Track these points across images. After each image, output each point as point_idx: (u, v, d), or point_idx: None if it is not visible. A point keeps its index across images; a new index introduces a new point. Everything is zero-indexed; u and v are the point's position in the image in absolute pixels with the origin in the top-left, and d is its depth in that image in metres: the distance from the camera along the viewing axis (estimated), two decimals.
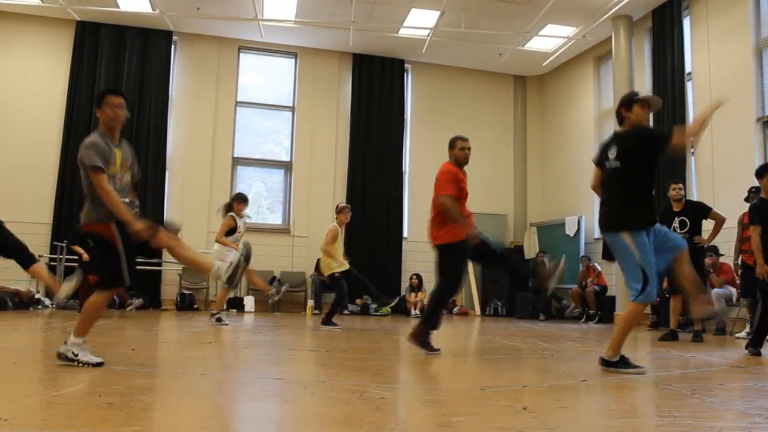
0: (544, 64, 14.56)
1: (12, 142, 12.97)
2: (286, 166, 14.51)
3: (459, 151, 5.84)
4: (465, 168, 5.93)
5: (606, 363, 4.60)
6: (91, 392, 3.29)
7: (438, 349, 5.56)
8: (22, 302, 11.06)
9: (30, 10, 12.92)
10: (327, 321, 8.68)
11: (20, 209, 12.62)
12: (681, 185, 8.19)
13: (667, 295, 9.79)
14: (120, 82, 13.38)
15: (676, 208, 8.09)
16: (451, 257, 5.68)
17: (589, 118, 13.95)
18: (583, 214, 13.46)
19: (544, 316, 12.61)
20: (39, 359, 4.93)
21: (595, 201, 13.15)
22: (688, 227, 7.90)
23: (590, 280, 12.15)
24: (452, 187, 5.63)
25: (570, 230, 13.51)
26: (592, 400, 3.50)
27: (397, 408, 3.26)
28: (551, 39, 13.48)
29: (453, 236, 5.60)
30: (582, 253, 13.02)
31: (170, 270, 13.24)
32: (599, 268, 12.39)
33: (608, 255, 12.43)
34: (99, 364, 4.12)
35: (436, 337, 5.41)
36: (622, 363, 4.56)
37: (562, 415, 3.06)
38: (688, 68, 11.15)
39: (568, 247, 13.17)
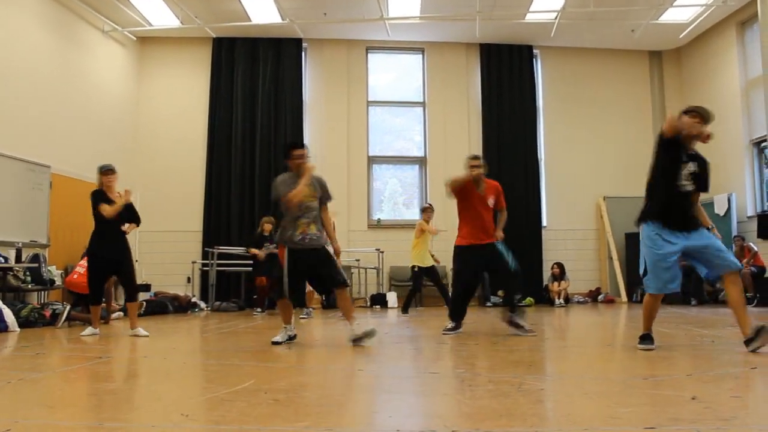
0: (681, 36, 13.86)
1: (163, 158, 13.83)
2: (420, 162, 14.60)
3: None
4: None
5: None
6: (258, 389, 3.46)
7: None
8: (181, 306, 11.77)
9: (171, 33, 13.70)
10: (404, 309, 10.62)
11: (174, 219, 13.52)
12: None
13: None
14: (256, 91, 13.97)
15: None
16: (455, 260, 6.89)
17: (734, 89, 13.13)
18: (734, 191, 12.71)
19: (696, 301, 12.01)
20: (204, 359, 5.23)
21: (747, 177, 12.50)
22: None
23: (746, 261, 11.44)
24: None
25: (720, 209, 12.79)
26: None
27: (558, 399, 3.22)
28: (688, 8, 12.78)
29: (459, 240, 6.86)
30: (735, 232, 12.30)
31: None
32: (755, 248, 11.64)
33: (765, 233, 11.70)
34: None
35: (589, 326, 5.28)
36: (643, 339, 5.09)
37: (737, 405, 2.92)
38: None
39: (719, 227, 12.37)
